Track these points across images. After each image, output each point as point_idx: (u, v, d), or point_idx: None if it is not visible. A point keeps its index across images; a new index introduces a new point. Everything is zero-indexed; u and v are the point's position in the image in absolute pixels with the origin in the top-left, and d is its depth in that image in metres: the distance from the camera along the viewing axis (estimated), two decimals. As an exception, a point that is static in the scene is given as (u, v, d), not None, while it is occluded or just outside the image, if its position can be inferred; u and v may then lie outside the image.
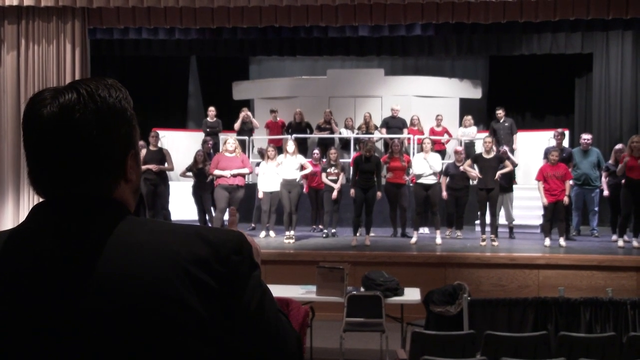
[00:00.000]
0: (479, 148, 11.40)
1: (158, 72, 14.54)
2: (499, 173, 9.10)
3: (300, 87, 13.75)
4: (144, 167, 9.40)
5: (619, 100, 12.43)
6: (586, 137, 9.93)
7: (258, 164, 10.51)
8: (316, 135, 12.22)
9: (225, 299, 1.07)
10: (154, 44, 12.25)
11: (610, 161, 9.57)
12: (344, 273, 5.97)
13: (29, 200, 8.85)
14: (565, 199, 8.85)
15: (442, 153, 11.73)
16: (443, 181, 9.78)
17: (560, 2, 8.63)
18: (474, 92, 13.92)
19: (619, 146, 9.68)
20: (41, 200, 1.12)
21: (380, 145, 12.54)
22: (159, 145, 10.00)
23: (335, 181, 9.63)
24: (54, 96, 1.08)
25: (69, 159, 1.07)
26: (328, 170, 9.74)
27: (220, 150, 9.94)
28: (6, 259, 1.05)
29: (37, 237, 1.06)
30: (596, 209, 9.99)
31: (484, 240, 9.07)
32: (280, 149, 10.46)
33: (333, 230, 9.95)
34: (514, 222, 9.86)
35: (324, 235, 9.85)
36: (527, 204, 10.18)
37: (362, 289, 6.13)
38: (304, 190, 10.32)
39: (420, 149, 9.91)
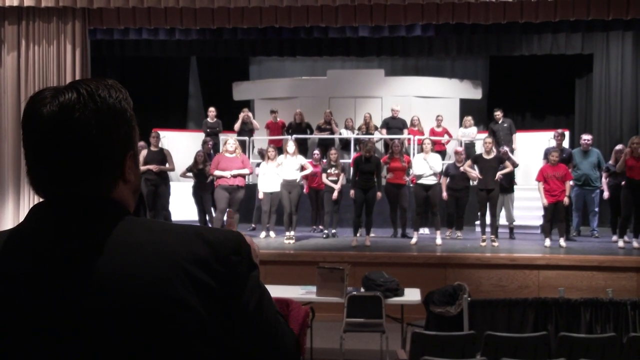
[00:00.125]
0: (479, 149, 11.41)
1: (158, 73, 14.55)
2: (499, 174, 9.10)
3: (300, 87, 13.75)
4: (144, 168, 9.41)
5: (619, 101, 12.44)
6: (586, 137, 9.93)
7: (258, 165, 10.52)
8: (316, 135, 12.22)
9: (225, 299, 1.07)
10: (154, 45, 12.25)
11: (611, 162, 9.57)
12: (344, 273, 5.97)
13: (29, 200, 8.86)
14: (566, 200, 8.85)
15: (443, 154, 11.73)
16: (443, 182, 9.78)
17: (561, 3, 8.64)
18: (474, 93, 13.92)
19: (619, 147, 9.68)
20: (40, 200, 1.12)
21: (380, 146, 12.54)
22: (160, 145, 9.99)
23: (335, 182, 9.63)
24: (54, 95, 1.09)
25: (68, 158, 1.07)
26: (328, 170, 9.73)
27: (221, 150, 9.94)
28: (6, 259, 1.05)
29: (37, 237, 1.06)
30: (596, 209, 9.99)
31: (484, 240, 9.07)
32: (280, 149, 10.46)
33: (333, 231, 9.95)
34: (514, 223, 9.86)
35: (324, 236, 9.84)
36: (527, 204, 10.18)
37: (362, 290, 6.13)
38: (304, 190, 10.33)
39: (421, 150, 9.90)
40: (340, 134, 12.33)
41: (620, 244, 8.83)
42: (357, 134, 12.13)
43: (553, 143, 10.23)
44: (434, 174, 9.41)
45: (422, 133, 12.07)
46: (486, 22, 9.05)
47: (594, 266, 7.87)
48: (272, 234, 9.94)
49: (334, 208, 9.77)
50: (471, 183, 9.78)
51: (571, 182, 9.21)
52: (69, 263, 1.03)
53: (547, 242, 8.86)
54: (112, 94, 1.12)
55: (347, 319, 5.88)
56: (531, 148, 11.87)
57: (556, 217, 8.94)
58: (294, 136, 11.36)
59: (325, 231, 9.89)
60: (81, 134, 1.07)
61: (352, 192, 9.13)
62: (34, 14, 9.11)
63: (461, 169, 9.56)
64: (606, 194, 9.54)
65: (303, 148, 11.57)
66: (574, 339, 4.45)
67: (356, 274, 7.04)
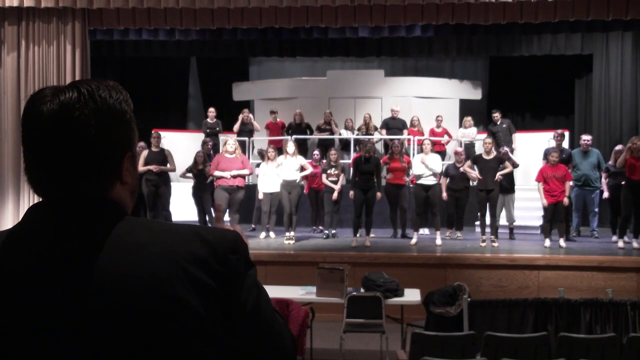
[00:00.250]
0: (479, 149, 11.41)
1: (158, 73, 14.55)
2: (498, 174, 9.11)
3: (300, 88, 13.75)
4: (145, 168, 9.40)
5: (619, 101, 12.44)
6: (586, 138, 9.94)
7: (258, 165, 10.52)
8: (316, 136, 12.22)
9: (224, 298, 1.07)
10: (154, 45, 12.26)
11: (610, 162, 9.57)
12: (344, 274, 5.97)
13: (29, 200, 8.86)
14: (565, 200, 8.85)
15: (442, 154, 11.73)
16: (443, 182, 9.78)
17: (560, 3, 8.64)
18: (474, 93, 13.92)
19: (618, 147, 9.69)
20: (39, 200, 1.12)
21: (380, 147, 12.55)
22: (161, 146, 9.98)
23: (335, 182, 9.63)
24: (54, 94, 1.09)
25: (67, 156, 1.07)
26: (328, 171, 9.73)
27: (220, 151, 9.94)
28: (5, 259, 1.05)
29: (37, 237, 1.06)
30: (596, 209, 9.99)
31: (484, 241, 9.07)
32: (280, 150, 10.46)
33: (333, 231, 9.95)
34: (514, 223, 9.86)
35: (324, 236, 9.84)
36: (527, 205, 10.18)
37: (362, 290, 6.13)
38: (304, 191, 10.33)
39: (420, 150, 9.91)
40: (340, 134, 12.33)
41: (620, 244, 8.83)
42: (357, 135, 12.13)
43: (553, 143, 10.23)
44: (433, 175, 9.41)
45: (421, 133, 12.07)
46: (486, 23, 9.06)
47: (593, 266, 7.87)
48: (272, 234, 9.94)
49: (334, 208, 9.77)
50: (471, 183, 9.79)
51: (571, 183, 9.22)
52: (69, 263, 1.03)
53: (547, 242, 8.86)
54: (112, 94, 1.13)
55: (347, 320, 5.88)
56: (531, 148, 11.87)
57: (556, 218, 8.94)
58: (294, 137, 11.36)
59: (326, 231, 9.89)
60: (80, 133, 1.07)
61: (351, 192, 9.13)
62: (34, 15, 9.11)
63: (461, 169, 9.56)
64: (606, 194, 9.54)
65: (303, 148, 11.57)
66: (574, 339, 4.45)
67: (356, 275, 7.04)
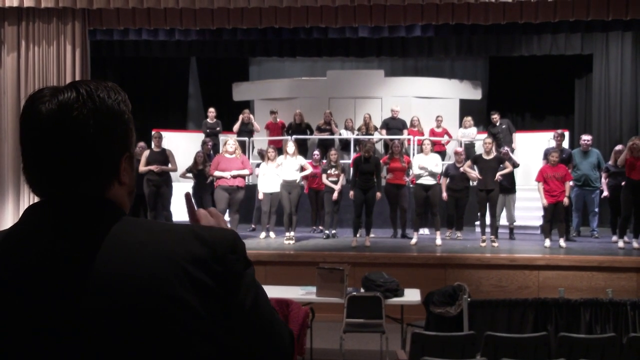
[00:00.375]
0: (479, 149, 11.41)
1: (158, 73, 14.55)
2: (498, 174, 9.11)
3: (300, 88, 13.75)
4: (146, 168, 9.40)
5: (619, 101, 12.44)
6: (586, 138, 9.94)
7: (258, 165, 10.51)
8: (316, 136, 12.22)
9: (223, 297, 1.08)
10: (154, 45, 12.25)
11: (610, 162, 9.57)
12: (344, 274, 5.97)
13: (29, 200, 8.86)
14: (565, 200, 8.85)
15: (442, 154, 11.73)
16: (443, 182, 9.78)
17: (560, 3, 8.64)
18: (474, 93, 13.92)
19: (618, 147, 9.69)
20: (36, 201, 1.12)
21: (380, 147, 12.55)
22: (162, 146, 9.97)
23: (335, 182, 9.63)
24: (53, 94, 1.09)
25: (65, 156, 1.07)
26: (328, 171, 9.73)
27: (220, 151, 9.94)
28: (4, 260, 1.05)
29: (36, 237, 1.06)
30: (596, 209, 10.00)
31: (484, 241, 9.07)
32: (280, 150, 10.45)
33: (333, 231, 9.95)
34: (514, 223, 9.86)
35: (324, 236, 9.85)
36: (527, 205, 10.18)
37: (362, 290, 6.13)
38: (304, 191, 10.33)
39: (420, 150, 9.91)
40: (340, 134, 12.32)
41: (620, 244, 8.83)
42: (357, 135, 12.13)
43: (553, 143, 10.23)
44: (433, 175, 9.40)
45: (421, 133, 12.07)
46: (486, 23, 9.06)
47: (593, 266, 7.87)
48: (272, 234, 9.94)
49: (334, 208, 9.77)
50: (471, 183, 9.78)
51: (571, 183, 9.22)
52: (69, 263, 1.03)
53: (547, 242, 8.86)
54: (111, 95, 1.13)
55: (347, 320, 5.88)
56: (531, 148, 11.87)
57: (556, 218, 8.94)
58: (294, 137, 11.35)
59: (326, 232, 9.90)
60: (79, 132, 1.07)
61: (351, 193, 9.13)
62: (34, 15, 9.12)
63: (461, 169, 9.57)
64: (605, 194, 9.54)
65: (303, 149, 11.57)
66: (574, 339, 4.45)
67: (356, 275, 7.05)
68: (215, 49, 12.74)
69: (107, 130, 1.10)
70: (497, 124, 11.66)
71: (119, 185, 1.14)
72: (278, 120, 12.48)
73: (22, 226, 1.09)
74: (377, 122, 12.60)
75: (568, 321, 4.97)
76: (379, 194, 9.09)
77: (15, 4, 8.76)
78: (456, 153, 10.07)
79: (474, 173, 9.23)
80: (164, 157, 9.64)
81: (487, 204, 9.18)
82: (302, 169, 9.73)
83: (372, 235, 9.40)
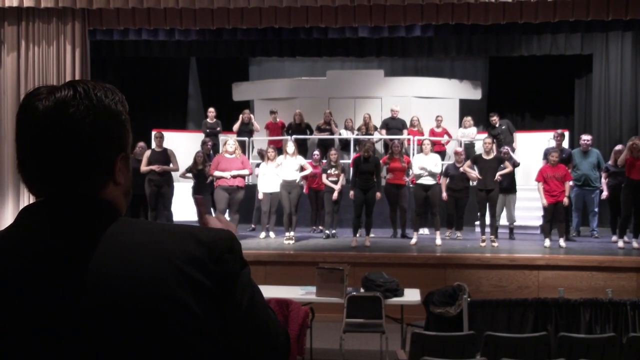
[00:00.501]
0: (478, 149, 11.41)
1: (158, 73, 14.55)
2: (498, 174, 9.11)
3: (300, 88, 13.75)
4: (148, 168, 9.40)
5: (619, 101, 12.44)
6: (586, 138, 9.94)
7: (258, 165, 10.51)
8: (316, 136, 12.22)
9: (220, 297, 1.08)
10: (154, 45, 12.26)
11: (610, 162, 9.57)
12: (344, 274, 5.97)
13: (29, 200, 8.83)
14: (565, 200, 8.85)
15: (442, 154, 11.73)
16: (443, 182, 9.78)
17: (560, 3, 8.65)
18: (474, 93, 13.92)
19: (618, 147, 9.69)
20: (33, 201, 1.12)
21: (380, 147, 12.55)
22: (164, 146, 9.96)
23: (335, 182, 9.62)
24: (50, 91, 1.10)
25: (61, 154, 1.07)
26: (328, 171, 9.73)
27: (220, 151, 9.94)
28: (2, 260, 1.05)
29: (33, 237, 1.06)
30: (596, 209, 10.00)
31: (483, 241, 9.07)
32: (280, 150, 10.45)
33: (333, 231, 9.95)
34: (514, 223, 9.86)
35: (324, 236, 9.85)
36: (527, 205, 10.18)
37: (362, 290, 6.13)
38: (304, 191, 10.33)
39: (420, 150, 9.91)
40: (339, 134, 12.32)
41: (620, 244, 8.83)
42: (357, 135, 12.12)
43: (553, 143, 10.23)
44: (432, 175, 9.39)
45: (421, 133, 12.07)
46: (486, 23, 9.06)
47: (593, 266, 7.87)
48: (271, 234, 9.95)
49: (334, 208, 9.77)
50: (471, 183, 9.79)
51: (571, 183, 9.22)
52: (67, 263, 1.03)
53: (547, 242, 8.86)
54: (108, 94, 1.13)
55: (346, 320, 5.88)
56: (531, 148, 11.88)
57: (556, 218, 8.94)
58: (294, 137, 11.35)
59: (326, 232, 9.89)
60: (75, 130, 1.07)
61: (351, 193, 9.13)
62: (34, 15, 9.12)
63: (461, 169, 9.57)
64: (605, 194, 9.54)
65: (303, 148, 11.57)
66: (574, 339, 4.45)
67: (356, 275, 7.04)
68: (215, 49, 12.74)
69: (103, 129, 1.10)
70: (497, 125, 11.65)
71: (115, 185, 1.14)
72: (278, 120, 12.48)
73: (18, 227, 1.09)
74: (377, 122, 12.60)
75: (568, 321, 4.97)
76: (378, 194, 9.09)
77: (15, 4, 8.76)
78: (456, 153, 10.07)
79: (474, 173, 9.23)
80: (165, 157, 9.64)
81: (487, 204, 9.18)
82: (302, 169, 9.73)
83: (372, 235, 9.40)
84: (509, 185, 9.45)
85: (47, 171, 1.08)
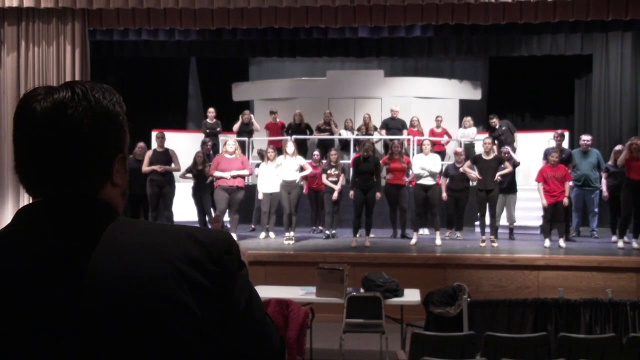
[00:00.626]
0: (478, 149, 11.41)
1: (158, 74, 14.55)
2: (498, 174, 9.11)
3: (299, 88, 13.76)
4: (150, 168, 9.40)
5: (619, 101, 12.44)
6: (586, 138, 9.94)
7: (258, 165, 10.51)
8: (316, 136, 12.22)
9: (218, 298, 1.08)
10: (154, 45, 12.25)
11: (610, 162, 9.57)
12: (344, 274, 5.97)
13: (29, 200, 8.80)
14: (565, 200, 8.85)
15: (442, 154, 11.73)
16: (443, 182, 9.78)
17: (560, 3, 8.64)
18: (474, 93, 13.92)
19: (618, 147, 9.68)
20: (30, 202, 1.12)
21: (380, 147, 12.55)
22: (165, 146, 9.95)
23: (335, 182, 9.62)
24: (48, 92, 1.10)
25: (58, 154, 1.07)
26: (328, 171, 9.73)
27: (220, 151, 9.94)
28: (2, 260, 1.05)
29: (32, 237, 1.06)
30: (596, 209, 10.00)
31: (483, 241, 9.07)
32: (280, 150, 10.45)
33: (333, 231, 9.95)
34: (514, 223, 9.86)
35: (324, 237, 9.85)
36: (527, 205, 10.18)
37: (361, 290, 6.13)
38: (304, 191, 10.33)
39: (420, 150, 9.91)
40: (339, 134, 12.32)
41: (620, 244, 8.83)
42: (357, 135, 12.12)
43: (553, 144, 10.23)
44: (432, 175, 9.39)
45: (421, 134, 12.07)
46: (485, 23, 9.06)
47: (593, 267, 7.87)
48: (271, 234, 9.95)
49: (334, 209, 9.77)
50: (471, 184, 9.79)
51: (571, 183, 9.22)
52: (66, 263, 1.03)
53: (547, 242, 8.86)
54: (106, 95, 1.13)
55: (346, 320, 5.88)
56: (531, 149, 11.87)
57: (556, 218, 8.94)
58: (294, 137, 11.36)
59: (326, 232, 9.89)
60: (73, 131, 1.07)
61: (351, 193, 9.13)
62: (34, 15, 9.12)
63: (461, 169, 9.57)
64: (605, 195, 9.54)
65: (302, 149, 11.57)
66: (574, 340, 4.45)
67: (356, 275, 7.04)
68: (215, 49, 12.74)
69: (101, 130, 1.10)
70: (497, 126, 11.61)
71: (112, 186, 1.14)
72: (278, 120, 12.48)
73: (17, 227, 1.09)
74: (376, 122, 12.60)
75: (568, 321, 4.97)
76: (378, 194, 9.09)
77: (15, 4, 8.76)
78: (456, 153, 10.07)
79: (474, 173, 9.23)
80: (167, 157, 9.64)
81: (487, 204, 9.18)
82: (302, 169, 9.73)
83: (371, 235, 9.40)
84: (509, 186, 9.45)
85: (45, 172, 1.08)
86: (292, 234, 9.45)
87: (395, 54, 13.19)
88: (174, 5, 8.74)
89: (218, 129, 11.88)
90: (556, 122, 13.57)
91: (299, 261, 8.15)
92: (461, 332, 4.86)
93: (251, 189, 10.40)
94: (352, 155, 11.35)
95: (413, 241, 9.30)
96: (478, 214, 9.53)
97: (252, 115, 12.37)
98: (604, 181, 9.58)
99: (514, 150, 10.97)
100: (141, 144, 10.00)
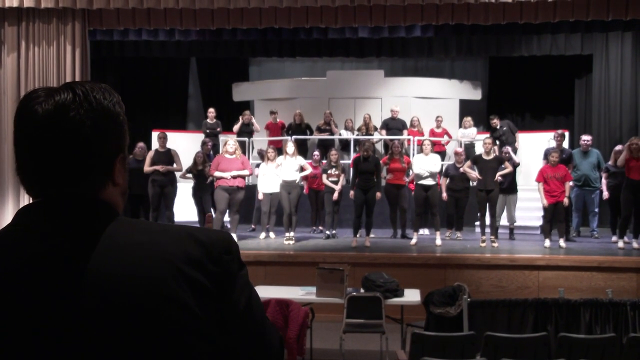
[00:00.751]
0: (478, 149, 11.41)
1: (158, 74, 14.55)
2: (498, 174, 9.11)
3: (300, 88, 13.76)
4: (151, 168, 9.40)
5: (619, 101, 12.44)
6: (586, 138, 9.94)
7: (258, 166, 10.52)
8: (316, 136, 12.22)
9: (218, 298, 1.08)
10: (154, 46, 12.25)
11: (610, 162, 9.57)
12: (344, 274, 5.97)
13: (29, 200, 8.82)
14: (565, 200, 8.85)
15: (442, 154, 11.73)
16: (443, 182, 9.78)
17: (560, 3, 8.64)
18: (474, 94, 13.92)
19: (618, 147, 9.68)
20: (30, 202, 1.12)
21: (380, 147, 12.55)
22: (167, 146, 9.95)
23: (335, 182, 9.63)
24: (48, 94, 1.09)
25: (60, 156, 1.07)
26: (329, 171, 9.73)
27: (220, 151, 9.94)
28: (2, 259, 1.05)
29: (32, 237, 1.06)
30: (596, 210, 10.00)
31: (483, 241, 9.07)
32: (280, 150, 10.45)
33: (333, 232, 9.95)
34: (515, 224, 9.86)
35: (324, 237, 9.85)
36: (527, 205, 10.18)
37: (362, 290, 6.13)
38: (304, 191, 10.33)
39: (420, 150, 9.91)
40: (339, 134, 12.32)
41: (620, 244, 8.83)
42: (357, 135, 12.13)
43: (553, 144, 10.23)
44: (431, 175, 9.39)
45: (421, 134, 12.07)
46: (486, 23, 9.06)
47: (593, 267, 7.87)
48: (271, 234, 9.95)
49: (334, 209, 9.77)
50: (471, 184, 9.79)
51: (571, 183, 9.22)
52: (66, 263, 1.03)
53: (547, 242, 8.86)
54: (106, 96, 1.13)
55: (346, 320, 5.88)
56: (531, 149, 11.87)
57: (556, 218, 8.95)
58: (294, 137, 11.36)
59: (326, 232, 9.89)
60: (75, 133, 1.08)
61: (351, 193, 9.13)
62: (34, 15, 9.12)
63: (461, 169, 9.57)
64: (605, 195, 9.54)
65: (303, 149, 11.57)
66: (574, 340, 4.45)
67: (356, 275, 7.04)
68: (215, 49, 12.74)
69: (102, 131, 1.11)
70: (498, 127, 11.61)
71: (113, 186, 1.14)
72: (278, 120, 12.48)
73: (17, 227, 1.09)
74: (377, 122, 12.60)
75: (568, 321, 4.97)
76: (379, 194, 9.09)
77: (15, 4, 8.76)
78: (456, 153, 10.07)
79: (474, 173, 9.24)
80: (169, 157, 9.64)
81: (487, 204, 9.19)
82: (302, 169, 9.73)
83: (372, 235, 9.40)
84: (509, 186, 9.45)
85: (47, 173, 1.09)
86: (292, 234, 9.45)
87: (395, 54, 13.19)
88: (174, 5, 8.74)
89: (218, 129, 11.88)
90: (556, 122, 13.57)
91: (299, 261, 8.15)
92: (461, 332, 4.86)
93: (251, 189, 10.40)
94: (352, 155, 11.35)
95: (413, 241, 9.30)
96: (478, 214, 9.53)
97: (252, 116, 12.37)
98: (604, 181, 9.58)
99: (515, 150, 10.97)
100: (141, 144, 10.00)
